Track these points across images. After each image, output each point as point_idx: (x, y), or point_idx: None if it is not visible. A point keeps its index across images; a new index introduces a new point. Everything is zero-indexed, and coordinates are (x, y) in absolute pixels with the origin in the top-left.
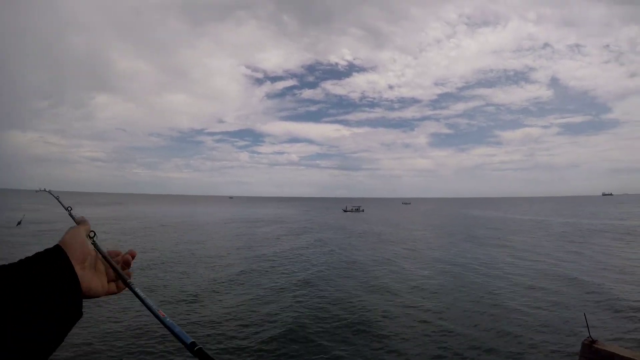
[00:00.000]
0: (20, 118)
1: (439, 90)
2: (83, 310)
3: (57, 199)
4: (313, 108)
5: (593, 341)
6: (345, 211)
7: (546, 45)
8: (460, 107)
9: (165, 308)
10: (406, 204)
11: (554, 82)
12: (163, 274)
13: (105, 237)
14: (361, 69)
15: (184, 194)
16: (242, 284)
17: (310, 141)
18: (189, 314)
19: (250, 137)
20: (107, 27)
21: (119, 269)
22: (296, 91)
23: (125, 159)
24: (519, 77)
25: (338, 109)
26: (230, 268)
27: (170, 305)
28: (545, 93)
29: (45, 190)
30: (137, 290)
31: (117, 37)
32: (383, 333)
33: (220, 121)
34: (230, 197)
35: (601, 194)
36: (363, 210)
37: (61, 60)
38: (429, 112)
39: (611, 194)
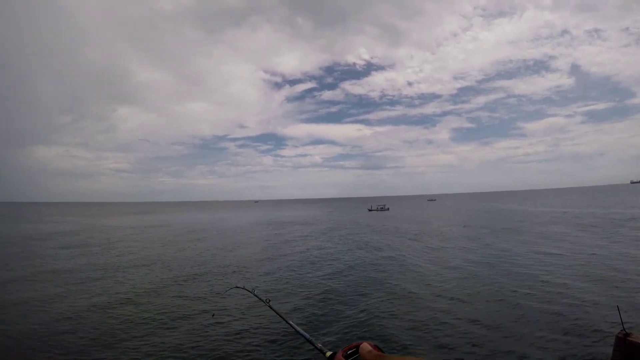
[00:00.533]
0: (45, 133)
1: (458, 85)
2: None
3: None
4: (334, 109)
5: (627, 334)
6: (370, 210)
7: (564, 32)
8: (481, 100)
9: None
10: (432, 200)
11: (574, 69)
12: (209, 276)
13: (135, 245)
14: (379, 67)
15: (210, 200)
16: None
17: (332, 142)
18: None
19: (273, 141)
20: (123, 39)
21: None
22: (316, 93)
23: (150, 168)
24: (539, 67)
25: (358, 108)
26: (268, 266)
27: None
28: (566, 81)
29: (238, 287)
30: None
31: (133, 48)
32: (410, 319)
33: (242, 126)
34: (256, 201)
35: (629, 181)
36: (388, 209)
37: (81, 74)
38: (450, 107)
39: None
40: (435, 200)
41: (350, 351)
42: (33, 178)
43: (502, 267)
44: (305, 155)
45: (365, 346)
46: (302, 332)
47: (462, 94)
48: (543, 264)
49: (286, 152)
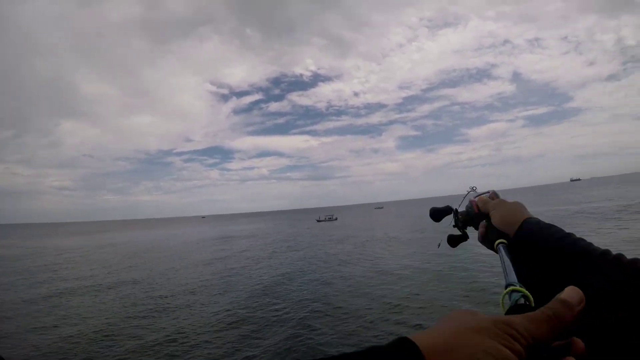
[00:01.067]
0: None
1: (404, 94)
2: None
3: None
4: (280, 120)
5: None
6: (318, 221)
7: (506, 41)
8: (425, 108)
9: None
10: (379, 208)
11: (516, 76)
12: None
13: (73, 269)
14: (326, 78)
15: (156, 217)
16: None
17: (279, 154)
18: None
19: (220, 154)
20: (69, 50)
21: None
22: (263, 105)
23: (95, 186)
24: (481, 75)
25: (305, 119)
26: (204, 285)
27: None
28: (508, 88)
29: None
30: None
31: (79, 60)
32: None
33: (188, 140)
34: (203, 217)
35: (569, 179)
36: (336, 219)
37: (24, 86)
38: (396, 116)
39: (579, 179)
40: (382, 207)
41: None
42: None
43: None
44: (252, 168)
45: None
46: None
47: (407, 103)
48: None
49: (233, 165)
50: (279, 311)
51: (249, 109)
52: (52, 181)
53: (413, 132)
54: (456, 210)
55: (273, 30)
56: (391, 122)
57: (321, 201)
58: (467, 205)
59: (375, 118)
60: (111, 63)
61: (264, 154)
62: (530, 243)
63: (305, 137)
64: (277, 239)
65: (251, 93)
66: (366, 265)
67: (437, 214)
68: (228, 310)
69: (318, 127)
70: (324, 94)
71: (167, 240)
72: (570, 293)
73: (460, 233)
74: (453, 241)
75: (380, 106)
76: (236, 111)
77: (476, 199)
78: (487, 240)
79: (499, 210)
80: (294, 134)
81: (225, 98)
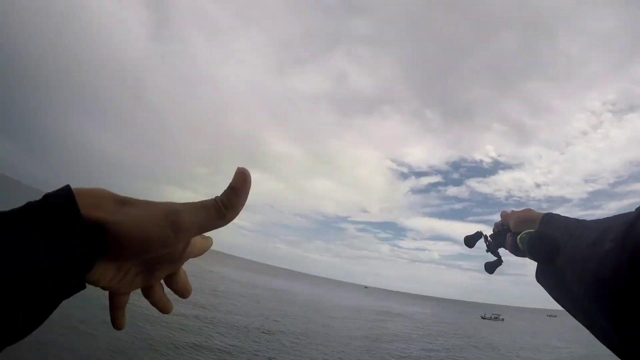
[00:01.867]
0: (181, 178)
1: (589, 188)
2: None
3: None
4: (457, 206)
5: None
6: (483, 318)
7: None
8: (613, 205)
9: None
10: (551, 316)
11: None
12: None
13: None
14: (506, 166)
15: (321, 276)
16: None
17: (453, 240)
18: None
19: (393, 230)
20: (263, 110)
21: None
22: (441, 188)
23: (270, 232)
24: None
25: (484, 207)
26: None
27: None
28: None
29: None
30: None
31: (271, 121)
32: None
33: (364, 211)
34: (366, 287)
35: None
36: (503, 320)
37: (220, 135)
38: (580, 213)
39: None
40: (556, 316)
41: None
42: None
43: None
44: (423, 249)
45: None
46: None
47: (593, 199)
48: None
49: (404, 243)
50: None
51: (426, 190)
52: (234, 219)
53: None
54: (486, 235)
55: (453, 113)
56: None
57: (488, 297)
58: (493, 228)
59: (558, 213)
60: (299, 128)
61: (437, 237)
62: (557, 228)
63: (482, 226)
64: (440, 329)
65: (430, 174)
66: None
67: (469, 241)
68: None
69: (496, 217)
70: (503, 182)
71: (333, 300)
72: (235, 178)
73: (495, 258)
74: (489, 267)
75: (563, 200)
76: (414, 191)
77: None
78: (517, 249)
79: (513, 214)
80: (471, 221)
81: (404, 176)
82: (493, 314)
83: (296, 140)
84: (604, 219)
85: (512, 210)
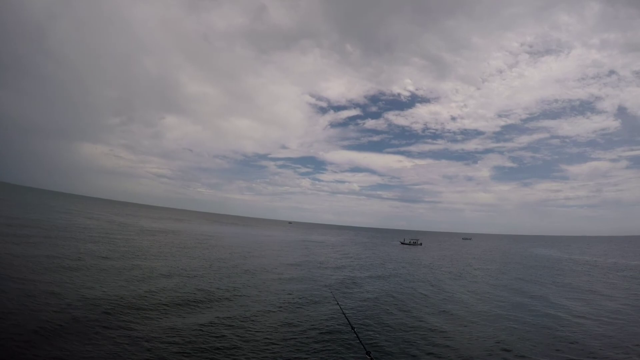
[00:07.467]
0: (94, 132)
1: (502, 122)
2: None
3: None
4: (376, 138)
5: None
6: (403, 243)
7: (611, 72)
8: (524, 139)
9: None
10: (467, 239)
11: (621, 111)
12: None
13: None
14: (424, 100)
15: (244, 216)
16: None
17: (372, 171)
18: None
19: (313, 164)
20: (177, 51)
21: None
22: (359, 121)
23: (190, 177)
24: (584, 108)
25: (401, 139)
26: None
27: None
28: (612, 124)
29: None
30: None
31: (186, 61)
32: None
33: (284, 147)
34: (290, 222)
35: None
36: (421, 244)
37: (133, 80)
38: (492, 145)
39: None
40: (470, 239)
41: None
42: (79, 173)
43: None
44: (343, 181)
45: None
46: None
47: (505, 132)
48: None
49: (325, 176)
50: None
51: (345, 123)
52: (152, 168)
53: (509, 164)
54: None
55: (373, 47)
56: (487, 151)
57: (408, 224)
58: None
59: (472, 145)
60: (215, 66)
61: (356, 169)
62: None
63: (399, 157)
64: (365, 255)
65: (348, 108)
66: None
67: None
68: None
69: (413, 148)
70: (421, 115)
71: (260, 238)
72: None
73: None
74: None
75: (477, 133)
76: (333, 124)
77: None
78: None
79: None
80: (388, 152)
81: (323, 110)
82: (412, 239)
83: (213, 79)
84: None
85: None
